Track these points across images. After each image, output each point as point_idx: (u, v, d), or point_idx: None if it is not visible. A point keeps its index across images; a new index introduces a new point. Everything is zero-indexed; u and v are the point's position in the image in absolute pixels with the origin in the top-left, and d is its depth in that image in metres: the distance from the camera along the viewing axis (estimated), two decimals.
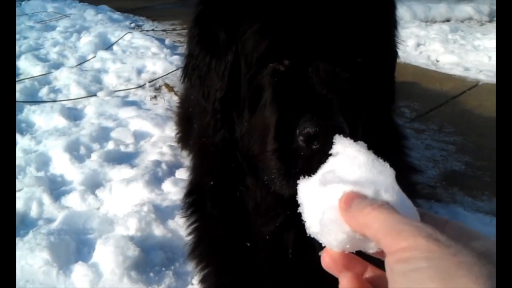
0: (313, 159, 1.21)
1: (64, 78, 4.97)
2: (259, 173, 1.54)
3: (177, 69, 4.99)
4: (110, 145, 3.53)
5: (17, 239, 2.42)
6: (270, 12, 1.40)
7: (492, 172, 3.01)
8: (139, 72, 5.13)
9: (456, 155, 3.25)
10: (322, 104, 1.26)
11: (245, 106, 1.55)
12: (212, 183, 1.85)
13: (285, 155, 1.30)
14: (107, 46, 6.04)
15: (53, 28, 7.17)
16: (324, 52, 1.37)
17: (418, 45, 5.97)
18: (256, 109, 1.49)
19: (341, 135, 0.92)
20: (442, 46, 5.83)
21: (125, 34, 6.33)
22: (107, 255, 2.25)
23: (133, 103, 4.36)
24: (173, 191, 2.85)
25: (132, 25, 7.52)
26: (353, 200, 0.76)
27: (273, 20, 1.40)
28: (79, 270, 2.22)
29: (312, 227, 0.85)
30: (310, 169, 0.93)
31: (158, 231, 2.50)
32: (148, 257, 2.32)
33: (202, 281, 1.97)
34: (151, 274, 2.24)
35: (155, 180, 3.00)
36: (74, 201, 2.87)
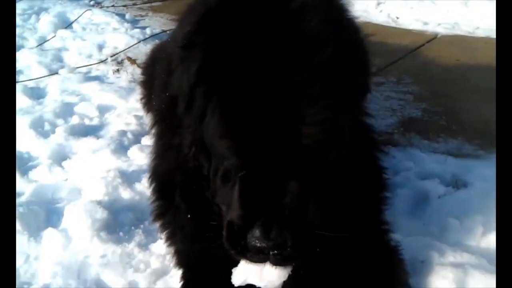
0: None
1: (25, 59, 4.89)
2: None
3: (138, 42, 4.98)
4: (75, 120, 3.53)
5: None
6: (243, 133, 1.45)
7: (448, 116, 3.14)
8: (100, 47, 5.09)
9: (413, 103, 3.37)
10: (274, 216, 1.40)
11: (218, 177, 1.63)
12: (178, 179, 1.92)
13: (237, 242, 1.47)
14: (67, 24, 5.94)
15: None
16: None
17: (379, 3, 6.04)
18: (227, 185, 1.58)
19: None
20: (401, 3, 5.91)
21: (84, 12, 6.24)
22: (76, 220, 2.31)
23: (96, 78, 4.35)
24: (140, 157, 2.90)
25: (92, 2, 7.39)
26: None
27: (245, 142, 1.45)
28: (50, 235, 2.28)
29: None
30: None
31: (125, 194, 2.56)
32: (117, 219, 2.38)
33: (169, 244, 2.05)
34: (121, 234, 2.31)
35: (121, 148, 3.04)
36: (41, 174, 2.89)
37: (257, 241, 1.38)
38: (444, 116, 3.17)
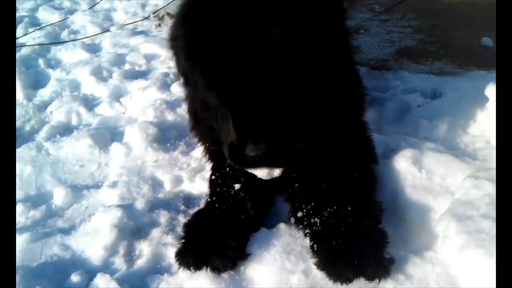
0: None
1: (80, 20, 5.67)
2: None
3: None
4: (127, 67, 4.27)
5: (65, 138, 3.21)
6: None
7: (438, 44, 3.61)
8: (143, 6, 5.81)
9: (411, 35, 3.85)
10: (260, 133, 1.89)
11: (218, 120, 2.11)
12: None
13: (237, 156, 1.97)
14: None
15: None
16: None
17: None
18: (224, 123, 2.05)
19: None
20: None
21: None
22: (134, 135, 3.03)
23: (141, 33, 5.07)
24: (180, 91, 3.56)
25: None
26: None
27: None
28: (115, 147, 3.02)
29: None
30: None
31: (170, 116, 3.27)
32: (164, 134, 3.10)
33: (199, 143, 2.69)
34: (168, 145, 3.03)
35: (165, 86, 3.74)
36: (104, 109, 3.65)
37: (251, 152, 1.89)
38: (435, 44, 3.64)
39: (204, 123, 2.37)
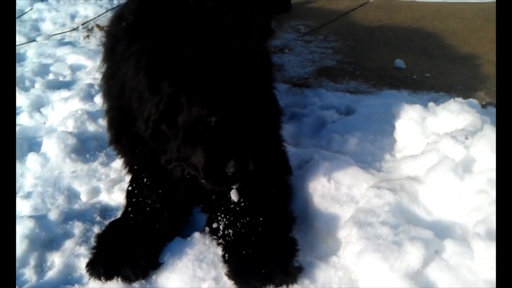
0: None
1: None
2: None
3: (107, 11, 5.56)
4: (51, 77, 4.18)
5: None
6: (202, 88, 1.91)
7: (355, 64, 3.84)
8: (73, 17, 5.70)
9: (331, 55, 4.07)
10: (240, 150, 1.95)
11: (179, 139, 2.05)
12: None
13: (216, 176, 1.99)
14: None
15: None
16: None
17: None
18: (193, 144, 2.02)
19: None
20: None
21: None
22: (51, 145, 2.97)
23: (68, 43, 4.97)
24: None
25: None
26: None
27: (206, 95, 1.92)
28: (32, 158, 2.94)
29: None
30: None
31: (91, 127, 3.23)
32: (84, 145, 3.06)
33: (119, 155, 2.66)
34: (87, 155, 2.99)
35: (88, 96, 3.68)
36: (24, 119, 3.54)
37: (232, 169, 1.91)
38: (352, 64, 3.87)
39: (127, 137, 2.33)
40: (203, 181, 2.05)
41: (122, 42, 2.06)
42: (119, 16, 2.36)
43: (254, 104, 2.04)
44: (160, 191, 2.33)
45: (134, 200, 2.32)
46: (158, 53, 1.91)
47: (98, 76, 4.02)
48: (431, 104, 2.84)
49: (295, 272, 1.92)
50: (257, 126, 2.15)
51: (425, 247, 1.85)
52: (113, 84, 2.40)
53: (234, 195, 2.21)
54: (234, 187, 2.15)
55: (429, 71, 3.79)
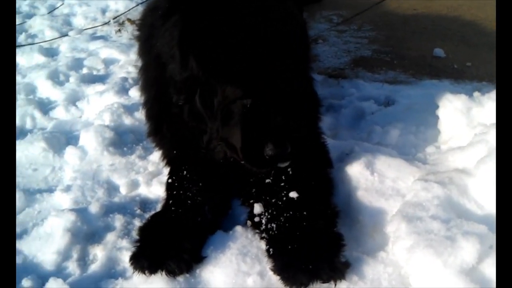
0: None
1: (38, 25, 5.54)
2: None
3: (137, 5, 5.57)
4: (84, 71, 4.20)
5: (19, 141, 3.11)
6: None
7: (393, 54, 3.74)
8: (104, 11, 5.74)
9: (367, 45, 3.98)
10: (277, 133, 1.92)
11: (218, 120, 2.05)
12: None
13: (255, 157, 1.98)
14: None
15: None
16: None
17: None
18: (230, 125, 2.01)
19: None
20: None
21: None
22: (89, 138, 2.98)
23: (101, 37, 5.00)
24: (138, 94, 3.53)
25: None
26: None
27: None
28: (70, 151, 2.95)
29: None
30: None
31: (127, 120, 3.23)
32: (121, 138, 3.06)
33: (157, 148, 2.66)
34: (125, 149, 2.99)
35: (123, 90, 3.70)
36: (60, 113, 3.57)
37: (270, 152, 1.89)
38: (389, 54, 3.77)
39: (167, 124, 2.33)
40: (242, 162, 2.03)
41: (159, 24, 2.07)
42: (154, 8, 2.36)
43: (291, 84, 1.98)
44: (200, 183, 2.30)
45: (174, 192, 2.30)
46: (190, 26, 1.90)
47: (132, 69, 4.07)
48: (476, 93, 2.74)
49: (343, 267, 1.85)
50: (294, 109, 2.07)
51: (480, 242, 1.77)
52: (151, 75, 2.40)
53: (258, 208, 2.17)
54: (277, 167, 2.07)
55: (470, 60, 3.67)
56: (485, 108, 2.61)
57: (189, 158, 2.38)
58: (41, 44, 4.94)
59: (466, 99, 2.68)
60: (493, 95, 2.67)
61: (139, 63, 2.68)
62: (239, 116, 1.95)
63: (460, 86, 3.26)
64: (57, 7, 6.15)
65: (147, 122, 2.59)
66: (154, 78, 2.36)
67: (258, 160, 1.96)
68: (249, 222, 2.20)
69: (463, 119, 2.62)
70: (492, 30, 4.21)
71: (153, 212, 2.35)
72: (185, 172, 2.37)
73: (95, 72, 4.17)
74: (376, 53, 3.83)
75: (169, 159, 2.56)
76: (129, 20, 5.30)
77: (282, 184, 2.21)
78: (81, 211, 2.40)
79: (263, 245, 2.05)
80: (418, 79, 3.36)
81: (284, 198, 2.14)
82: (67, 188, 2.66)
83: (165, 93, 2.16)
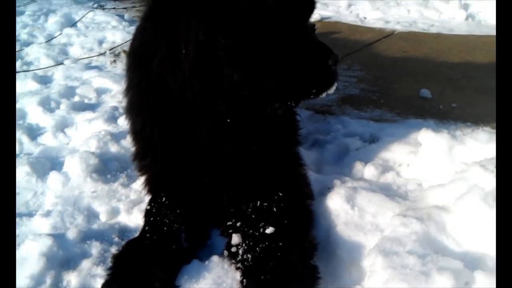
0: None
1: (35, 52, 5.63)
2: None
3: None
4: (76, 99, 4.23)
5: None
6: None
7: (380, 93, 3.80)
8: (101, 42, 5.84)
9: (356, 84, 4.04)
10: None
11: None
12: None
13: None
14: (72, 23, 6.67)
15: (22, 13, 7.74)
16: None
17: (350, 5, 6.72)
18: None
19: None
20: (369, 5, 6.58)
21: (87, 12, 6.99)
22: (74, 164, 2.97)
23: (95, 67, 5.08)
24: (125, 123, 3.53)
25: (95, 5, 8.15)
26: None
27: None
28: (53, 176, 2.94)
29: None
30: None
31: (113, 148, 3.23)
32: (106, 165, 3.05)
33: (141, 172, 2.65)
34: (108, 176, 2.98)
35: (112, 118, 3.72)
36: (47, 139, 3.57)
37: (335, 64, 2.18)
38: (377, 93, 3.83)
39: (159, 129, 2.26)
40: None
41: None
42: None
43: None
44: (178, 210, 2.29)
45: (151, 219, 2.28)
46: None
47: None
48: (458, 133, 2.78)
49: None
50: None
51: (455, 278, 1.76)
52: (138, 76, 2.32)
53: (236, 238, 2.16)
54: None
55: (456, 101, 3.72)
56: (467, 146, 2.66)
57: (178, 172, 2.33)
58: (35, 71, 5.00)
59: (448, 138, 2.72)
60: (475, 134, 2.72)
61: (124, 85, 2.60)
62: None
63: (444, 126, 3.29)
64: (55, 37, 6.27)
65: (135, 143, 2.57)
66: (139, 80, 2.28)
67: (331, 73, 2.20)
68: (226, 252, 2.17)
69: (445, 157, 2.65)
70: (479, 74, 4.30)
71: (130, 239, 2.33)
72: (164, 198, 2.36)
73: (86, 101, 4.21)
74: (363, 92, 3.90)
75: (151, 185, 2.54)
76: (125, 51, 5.39)
77: (261, 215, 2.20)
78: (58, 237, 2.36)
79: (238, 276, 2.03)
80: (403, 118, 3.41)
81: (261, 230, 2.13)
82: (47, 213, 2.63)
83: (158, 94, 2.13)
